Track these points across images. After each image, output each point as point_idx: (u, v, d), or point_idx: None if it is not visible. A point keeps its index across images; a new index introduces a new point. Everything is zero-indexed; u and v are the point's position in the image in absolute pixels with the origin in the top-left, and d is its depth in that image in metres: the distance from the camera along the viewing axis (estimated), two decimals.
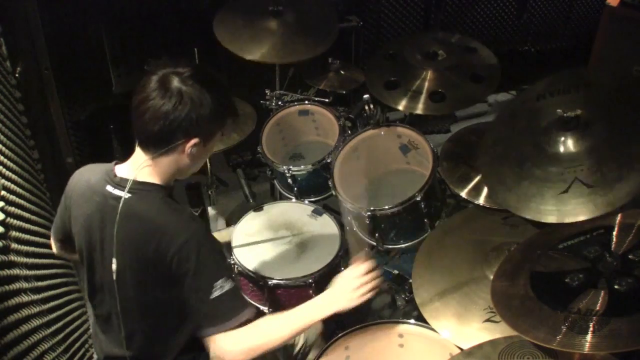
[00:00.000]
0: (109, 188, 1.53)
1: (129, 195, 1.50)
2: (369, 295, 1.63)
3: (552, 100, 1.88)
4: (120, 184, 1.52)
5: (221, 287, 1.46)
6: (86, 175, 1.62)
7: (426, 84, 2.48)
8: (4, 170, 1.92)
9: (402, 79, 2.53)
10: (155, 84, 1.46)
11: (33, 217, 2.12)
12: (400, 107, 2.46)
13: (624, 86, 1.82)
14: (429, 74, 2.51)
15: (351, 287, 1.62)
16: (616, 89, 1.82)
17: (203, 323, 1.49)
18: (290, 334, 1.56)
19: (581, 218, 1.61)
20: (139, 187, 1.51)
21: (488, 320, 1.67)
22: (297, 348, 1.95)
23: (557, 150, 1.76)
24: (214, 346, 1.49)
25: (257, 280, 2.07)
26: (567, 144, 1.76)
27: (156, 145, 1.49)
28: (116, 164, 1.59)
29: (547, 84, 1.94)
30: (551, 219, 1.65)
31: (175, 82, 1.45)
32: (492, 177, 1.87)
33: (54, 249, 1.81)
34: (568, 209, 1.63)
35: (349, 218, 2.29)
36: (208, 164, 2.90)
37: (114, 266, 1.52)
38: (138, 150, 1.54)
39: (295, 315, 1.59)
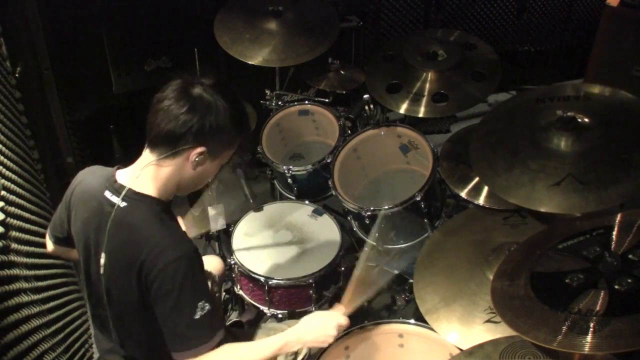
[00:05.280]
0: (107, 194, 1.52)
1: (124, 204, 1.49)
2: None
3: (551, 104, 1.90)
4: (119, 190, 1.51)
5: (202, 308, 1.45)
6: (88, 178, 1.61)
7: (427, 86, 2.47)
8: (4, 170, 1.92)
9: (404, 82, 2.52)
10: (176, 86, 1.47)
11: (33, 217, 2.12)
12: (402, 111, 2.46)
13: (622, 99, 1.84)
14: (430, 75, 2.50)
15: (331, 331, 1.63)
16: (615, 101, 1.84)
17: (179, 344, 1.46)
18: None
19: (570, 211, 1.62)
20: (135, 197, 1.50)
21: (488, 321, 1.68)
22: (301, 357, 1.94)
23: (554, 148, 1.77)
24: None
25: (257, 280, 2.07)
26: (565, 144, 1.76)
27: (163, 145, 1.48)
28: (118, 168, 1.58)
29: (547, 91, 1.96)
30: (539, 207, 1.67)
31: (197, 89, 1.46)
32: (481, 163, 1.88)
33: (49, 247, 1.79)
34: (558, 201, 1.65)
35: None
36: None
37: (102, 260, 1.51)
38: (145, 153, 1.53)
39: (263, 344, 1.57)
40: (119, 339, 1.63)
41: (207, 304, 1.46)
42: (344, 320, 1.68)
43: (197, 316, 1.44)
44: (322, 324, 1.65)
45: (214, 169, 1.57)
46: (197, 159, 1.49)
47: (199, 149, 1.47)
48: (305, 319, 1.68)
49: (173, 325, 1.46)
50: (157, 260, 1.43)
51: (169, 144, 1.47)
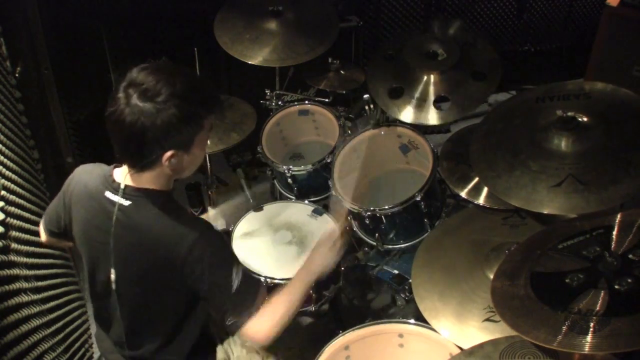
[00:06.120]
0: (108, 194, 1.52)
1: (127, 202, 1.49)
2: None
3: (551, 104, 1.90)
4: (118, 189, 1.51)
5: (237, 276, 1.48)
6: (85, 178, 1.60)
7: (430, 89, 2.43)
8: (4, 170, 1.92)
9: (405, 86, 2.49)
10: (119, 101, 1.39)
11: (33, 217, 2.12)
12: (409, 120, 2.41)
13: (623, 97, 1.84)
14: (432, 78, 2.47)
15: (335, 249, 1.74)
16: (616, 99, 1.84)
17: (232, 316, 1.50)
18: (301, 298, 1.61)
19: (571, 212, 1.62)
20: (136, 194, 1.49)
21: (487, 319, 1.68)
22: None
23: (554, 148, 1.77)
24: (247, 333, 1.51)
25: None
26: (565, 144, 1.76)
27: (132, 162, 1.47)
28: (115, 166, 1.58)
29: (547, 90, 1.96)
30: (540, 209, 1.67)
31: (134, 99, 1.37)
32: (482, 164, 1.88)
33: (42, 237, 1.79)
34: (559, 202, 1.65)
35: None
36: (208, 164, 2.90)
37: (112, 276, 1.53)
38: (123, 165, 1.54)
39: (299, 282, 1.63)
40: (128, 341, 1.63)
41: (238, 270, 1.49)
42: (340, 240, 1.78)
43: (234, 289, 1.47)
44: (331, 252, 1.74)
45: (198, 153, 1.52)
46: (172, 161, 1.44)
47: (168, 154, 1.42)
48: (315, 253, 1.74)
49: (218, 303, 1.50)
50: (178, 251, 1.44)
51: (136, 161, 1.46)
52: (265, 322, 1.51)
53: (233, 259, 1.53)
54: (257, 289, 1.54)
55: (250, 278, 1.54)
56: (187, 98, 1.40)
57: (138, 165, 1.46)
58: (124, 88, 1.39)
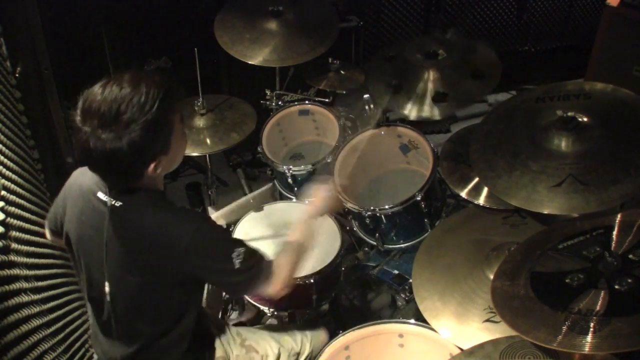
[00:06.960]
0: (100, 195, 1.52)
1: (119, 203, 1.48)
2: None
3: (551, 104, 1.90)
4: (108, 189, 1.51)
5: (238, 254, 1.48)
6: (80, 179, 1.60)
7: (429, 85, 2.45)
8: (4, 170, 1.92)
9: (404, 81, 2.51)
10: (84, 136, 1.36)
11: (33, 217, 2.11)
12: (408, 114, 2.43)
13: (623, 97, 1.84)
14: (431, 75, 2.48)
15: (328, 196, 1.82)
16: (616, 99, 1.84)
17: (246, 290, 1.64)
18: (307, 245, 1.70)
19: (571, 212, 1.63)
20: (127, 195, 1.49)
21: (488, 320, 1.68)
22: (303, 357, 1.94)
23: (554, 148, 1.77)
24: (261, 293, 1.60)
25: None
26: (565, 144, 1.77)
27: (118, 185, 1.48)
28: None
29: (547, 90, 1.96)
30: (540, 209, 1.67)
31: (97, 132, 1.34)
32: (482, 164, 1.88)
33: (48, 236, 1.81)
34: (559, 202, 1.65)
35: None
36: (208, 164, 2.90)
37: (106, 289, 1.53)
38: None
39: (302, 229, 1.71)
40: (125, 342, 1.63)
41: (239, 248, 1.49)
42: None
43: (237, 266, 1.47)
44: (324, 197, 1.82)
45: (179, 145, 1.50)
46: (157, 170, 1.44)
47: (151, 166, 1.42)
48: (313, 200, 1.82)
49: (228, 284, 1.56)
50: (176, 247, 1.44)
51: (122, 183, 1.47)
52: (278, 278, 1.56)
53: (231, 242, 1.54)
54: (260, 261, 1.55)
55: (253, 251, 1.54)
56: (146, 111, 1.35)
57: (125, 185, 1.48)
58: (83, 119, 1.37)
